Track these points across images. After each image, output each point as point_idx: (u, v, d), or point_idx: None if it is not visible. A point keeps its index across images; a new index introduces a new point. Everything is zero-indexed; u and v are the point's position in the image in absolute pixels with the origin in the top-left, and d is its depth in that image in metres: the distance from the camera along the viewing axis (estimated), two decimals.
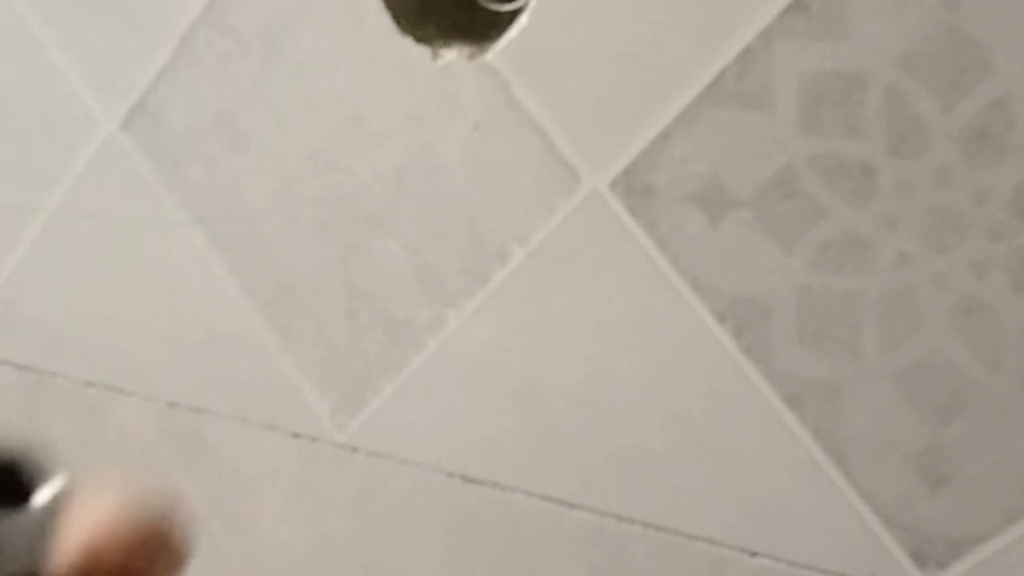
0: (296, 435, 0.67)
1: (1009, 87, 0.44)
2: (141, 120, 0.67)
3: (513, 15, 0.54)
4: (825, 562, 0.52)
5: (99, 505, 0.22)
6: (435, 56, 0.56)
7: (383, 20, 0.57)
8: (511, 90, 0.54)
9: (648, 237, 0.52)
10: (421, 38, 0.57)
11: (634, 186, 0.52)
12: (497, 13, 0.55)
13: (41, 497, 0.21)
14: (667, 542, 0.55)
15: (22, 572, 0.20)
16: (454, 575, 0.63)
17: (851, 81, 0.47)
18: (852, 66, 0.46)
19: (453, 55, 0.55)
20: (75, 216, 0.72)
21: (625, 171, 0.52)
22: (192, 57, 0.64)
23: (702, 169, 0.50)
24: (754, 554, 0.54)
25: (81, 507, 0.22)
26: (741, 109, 0.49)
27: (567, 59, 0.53)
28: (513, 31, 0.54)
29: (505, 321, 0.57)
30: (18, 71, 0.72)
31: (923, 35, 0.45)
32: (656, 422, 0.54)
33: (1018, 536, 0.48)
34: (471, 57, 0.55)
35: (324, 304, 0.63)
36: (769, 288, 0.50)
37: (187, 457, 0.72)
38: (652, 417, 0.54)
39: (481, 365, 0.59)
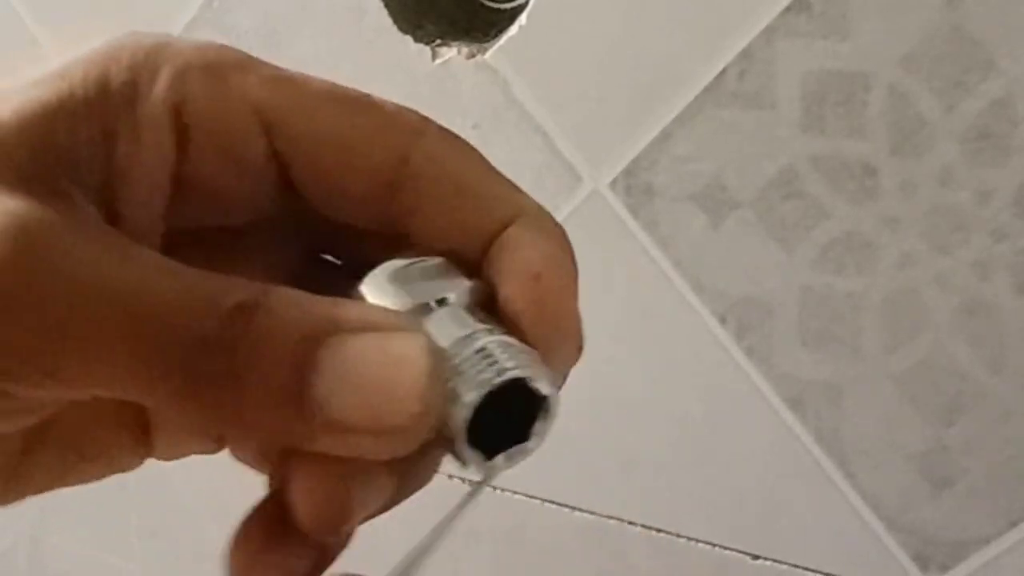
0: None
1: (1012, 87, 0.44)
2: None
3: (513, 14, 0.54)
4: (827, 565, 0.52)
5: None
6: (434, 55, 0.56)
7: (383, 19, 0.57)
8: (511, 89, 0.54)
9: (649, 237, 0.52)
10: (420, 37, 0.56)
11: (635, 186, 0.52)
12: (497, 11, 0.55)
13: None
14: (668, 544, 0.55)
15: None
16: None
17: (853, 80, 0.46)
18: (854, 65, 0.46)
19: (452, 54, 0.55)
20: None
21: (626, 171, 0.52)
22: None
23: (703, 169, 0.50)
24: (756, 557, 0.53)
25: None
26: (743, 108, 0.49)
27: (567, 58, 0.52)
28: (512, 30, 0.53)
29: None
30: (15, 71, 0.72)
31: (926, 34, 0.45)
32: (657, 424, 0.54)
33: (1021, 538, 0.48)
34: (470, 56, 0.55)
35: None
36: (771, 289, 0.50)
37: (185, 461, 0.72)
38: (653, 419, 0.54)
39: None
